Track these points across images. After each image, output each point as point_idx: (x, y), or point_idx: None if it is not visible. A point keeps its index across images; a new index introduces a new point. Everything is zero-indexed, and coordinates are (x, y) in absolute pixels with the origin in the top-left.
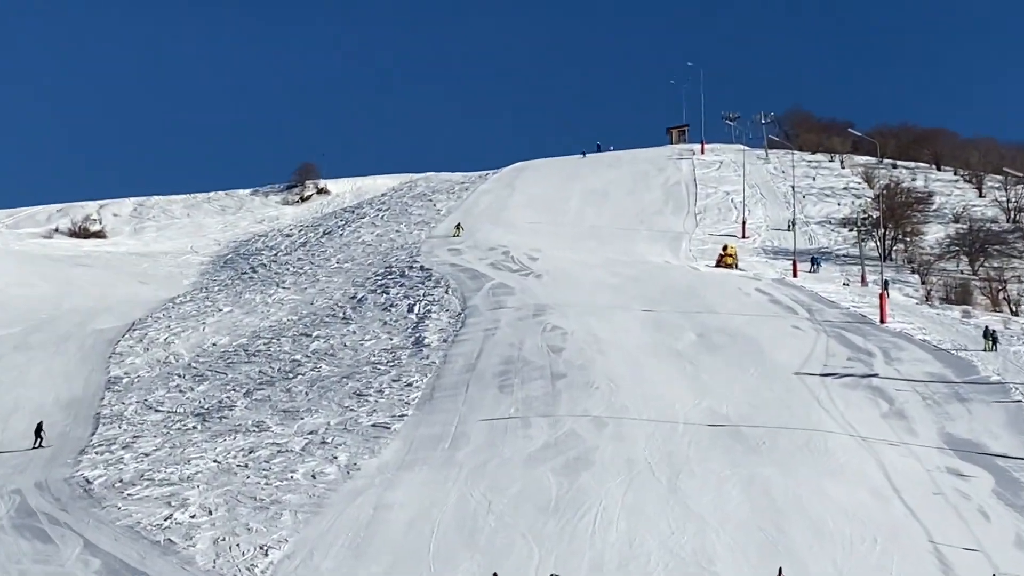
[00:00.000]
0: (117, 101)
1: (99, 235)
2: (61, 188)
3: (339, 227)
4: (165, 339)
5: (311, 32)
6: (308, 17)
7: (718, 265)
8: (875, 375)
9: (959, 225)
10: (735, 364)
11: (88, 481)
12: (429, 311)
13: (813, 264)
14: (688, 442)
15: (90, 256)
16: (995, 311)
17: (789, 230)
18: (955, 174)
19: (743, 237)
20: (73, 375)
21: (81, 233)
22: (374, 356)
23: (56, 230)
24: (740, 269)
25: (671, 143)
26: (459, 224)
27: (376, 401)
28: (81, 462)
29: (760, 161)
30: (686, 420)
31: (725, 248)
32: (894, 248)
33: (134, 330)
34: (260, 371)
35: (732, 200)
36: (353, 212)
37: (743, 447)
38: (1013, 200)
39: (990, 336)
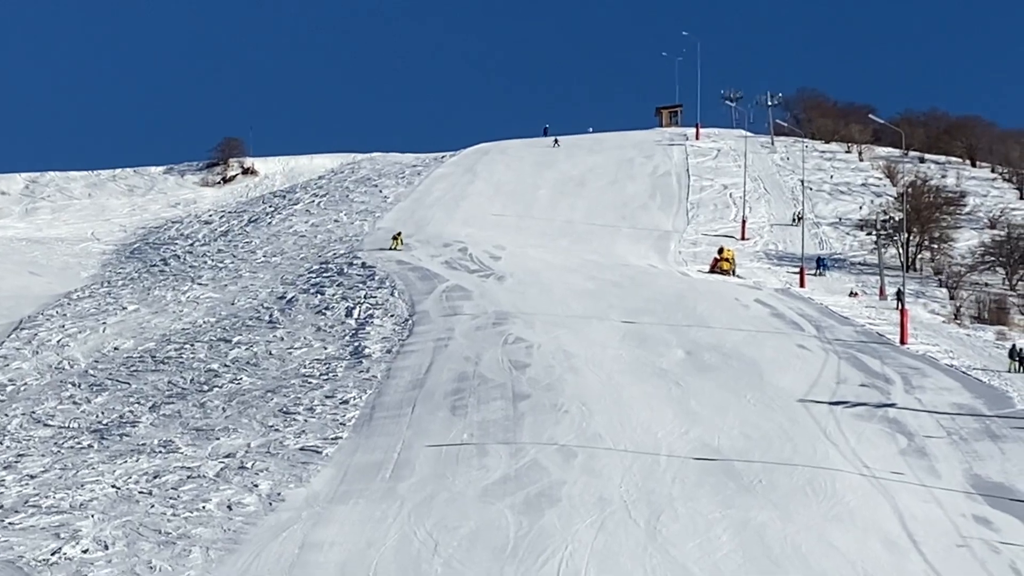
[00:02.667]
0: (6, 60)
1: None
2: None
3: (267, 214)
4: (58, 341)
5: None
6: None
7: (712, 271)
8: (892, 405)
9: (995, 231)
10: (729, 388)
11: None
12: (371, 316)
13: (819, 266)
14: (672, 478)
15: None
16: None
17: (794, 224)
18: (992, 171)
19: (742, 239)
20: None
21: None
22: (304, 367)
23: None
24: (738, 276)
25: (661, 126)
26: (399, 234)
27: (306, 421)
28: None
29: (765, 150)
30: (670, 452)
31: (721, 251)
32: (919, 256)
33: (21, 330)
34: (170, 382)
35: (731, 195)
36: (284, 197)
37: (736, 485)
38: None
39: (1017, 356)
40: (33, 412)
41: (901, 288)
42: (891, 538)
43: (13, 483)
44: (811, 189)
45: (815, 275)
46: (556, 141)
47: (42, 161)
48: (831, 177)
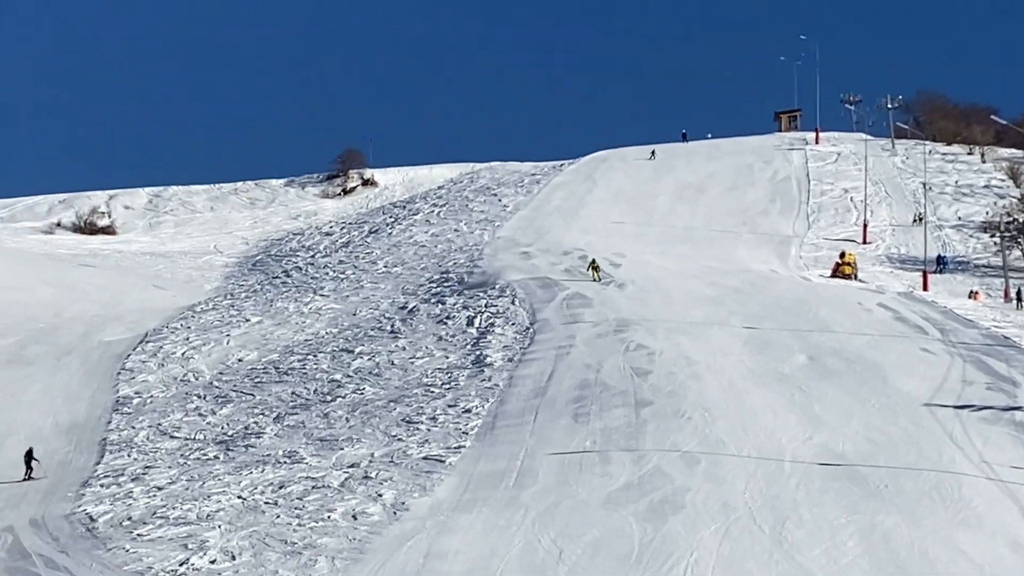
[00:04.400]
0: (131, 75)
1: (108, 231)
2: (65, 176)
3: (388, 225)
4: (183, 354)
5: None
6: None
7: (834, 275)
8: (1019, 408)
9: None
10: (853, 393)
11: (92, 518)
12: (492, 325)
13: (939, 264)
14: (796, 484)
15: (97, 255)
16: None
17: (915, 224)
18: None
19: (864, 243)
20: (76, 395)
21: (87, 228)
22: (427, 377)
23: (58, 224)
24: (860, 280)
25: (780, 131)
26: (594, 261)
27: (428, 430)
28: (84, 496)
29: (885, 153)
30: (794, 458)
31: (843, 255)
32: None
33: (147, 343)
34: (293, 393)
35: (851, 199)
36: (404, 207)
37: (861, 491)
38: None
39: None
40: (159, 424)
41: (1021, 288)
42: (1020, 542)
43: (141, 495)
44: (932, 192)
45: (936, 272)
46: (653, 153)
47: (165, 175)
48: (956, 182)
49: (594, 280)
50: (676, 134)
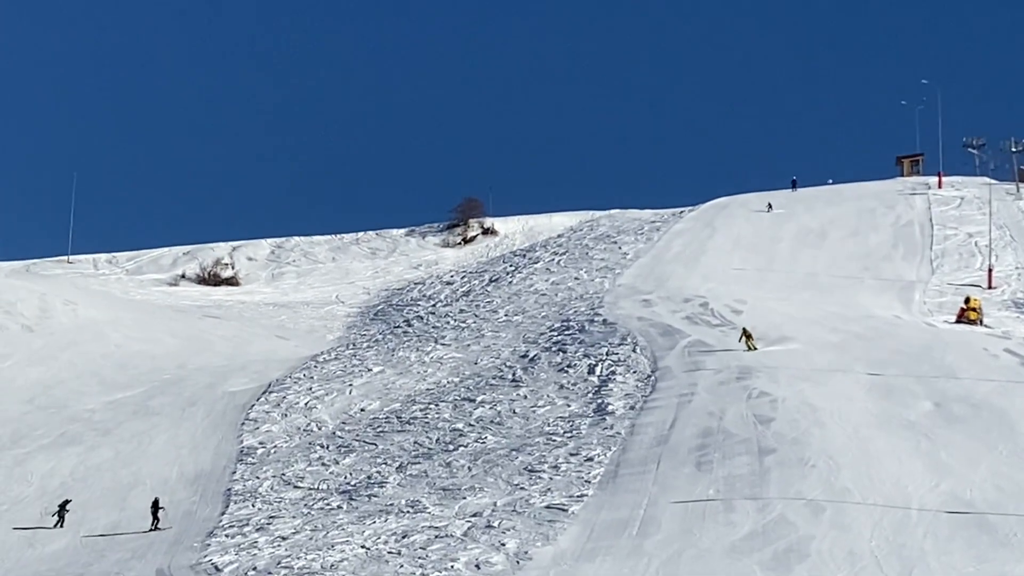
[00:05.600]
0: (253, 125)
1: (231, 282)
2: (189, 228)
3: (508, 273)
4: (306, 403)
5: (478, 41)
6: (476, 22)
7: (959, 321)
8: None
9: None
10: (980, 439)
11: (217, 568)
12: (613, 373)
13: None
14: (923, 532)
15: (221, 306)
16: None
17: None
18: None
19: (989, 288)
20: (200, 445)
21: (211, 280)
22: (548, 425)
23: (183, 276)
24: (986, 326)
25: (902, 175)
26: (746, 331)
27: (551, 478)
28: (209, 546)
29: (1010, 197)
30: (921, 506)
31: (968, 300)
32: None
33: (270, 393)
34: (415, 442)
35: (976, 243)
36: (524, 256)
37: (990, 539)
38: None
39: None
40: (283, 474)
41: None
42: None
43: (266, 545)
44: None
45: None
46: (769, 206)
47: (287, 226)
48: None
49: (748, 350)
50: (796, 179)
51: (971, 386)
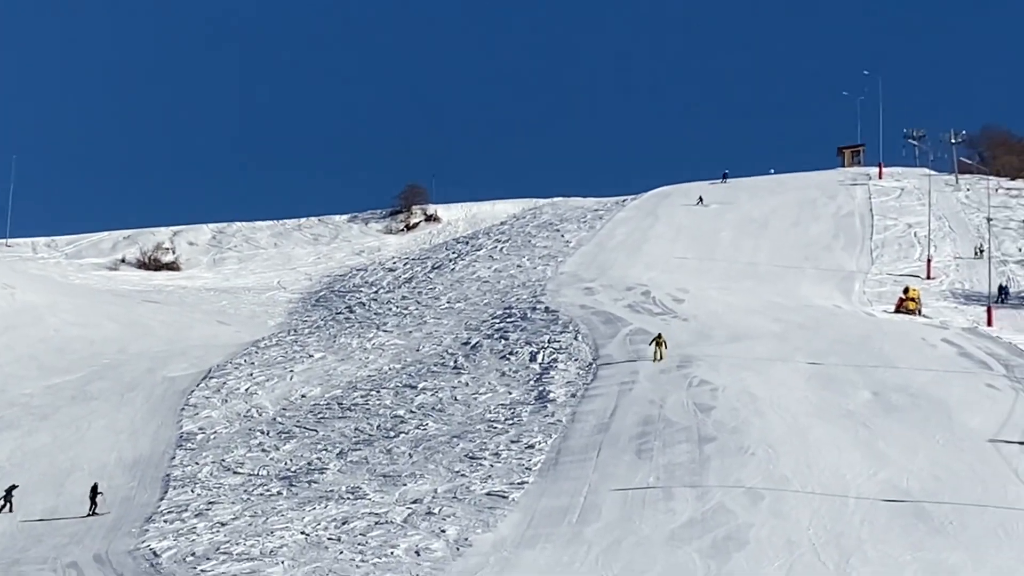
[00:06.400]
0: (195, 109)
1: (172, 267)
2: (129, 212)
3: (451, 260)
4: (247, 389)
5: (419, 32)
6: (420, 9)
7: (898, 311)
8: None
9: None
10: (918, 429)
11: (155, 554)
12: (555, 361)
13: (1001, 294)
14: (861, 520)
15: (161, 291)
16: None
17: (977, 256)
18: None
19: (928, 278)
20: (139, 430)
21: (151, 264)
22: (490, 412)
23: (123, 261)
24: (924, 316)
25: (843, 166)
26: (660, 336)
27: (492, 466)
28: (147, 532)
29: (949, 188)
30: (859, 494)
31: (907, 291)
32: None
33: (211, 378)
34: (356, 428)
35: (915, 234)
36: (467, 243)
37: (926, 527)
38: None
39: None
40: (223, 460)
41: None
42: None
43: (204, 530)
44: (996, 227)
45: (999, 302)
46: (700, 199)
47: (229, 212)
48: None
49: (655, 359)
50: (738, 169)
51: (909, 376)
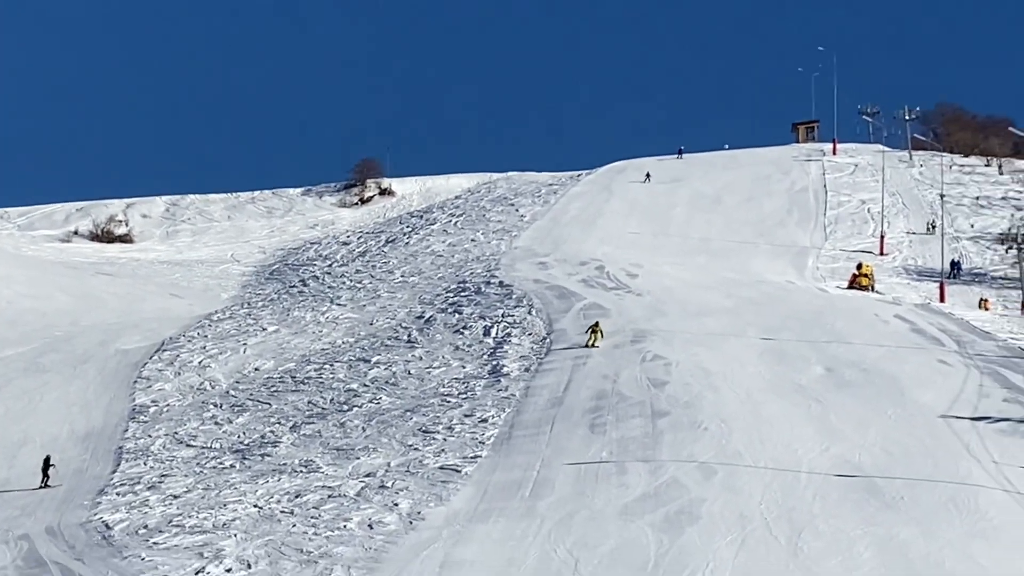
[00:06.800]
0: (148, 83)
1: (125, 239)
2: (82, 184)
3: (405, 234)
4: (200, 362)
5: (375, 4)
6: None
7: (851, 287)
8: None
9: None
10: (870, 404)
11: (107, 526)
12: (509, 335)
13: (953, 270)
14: (813, 495)
15: (114, 264)
16: None
17: (929, 232)
18: None
19: (881, 254)
20: (92, 403)
21: (104, 237)
22: (443, 386)
23: (75, 233)
24: (877, 292)
25: (797, 142)
26: (596, 324)
27: (445, 440)
28: (100, 504)
29: (903, 164)
30: (811, 469)
31: (860, 267)
32: None
33: (164, 351)
34: (310, 402)
35: (869, 210)
36: (421, 217)
37: (878, 502)
38: None
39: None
40: (176, 433)
41: None
42: None
43: (157, 503)
44: (950, 203)
45: (951, 278)
46: (648, 176)
47: (182, 184)
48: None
49: (587, 345)
50: (694, 144)
51: (862, 351)
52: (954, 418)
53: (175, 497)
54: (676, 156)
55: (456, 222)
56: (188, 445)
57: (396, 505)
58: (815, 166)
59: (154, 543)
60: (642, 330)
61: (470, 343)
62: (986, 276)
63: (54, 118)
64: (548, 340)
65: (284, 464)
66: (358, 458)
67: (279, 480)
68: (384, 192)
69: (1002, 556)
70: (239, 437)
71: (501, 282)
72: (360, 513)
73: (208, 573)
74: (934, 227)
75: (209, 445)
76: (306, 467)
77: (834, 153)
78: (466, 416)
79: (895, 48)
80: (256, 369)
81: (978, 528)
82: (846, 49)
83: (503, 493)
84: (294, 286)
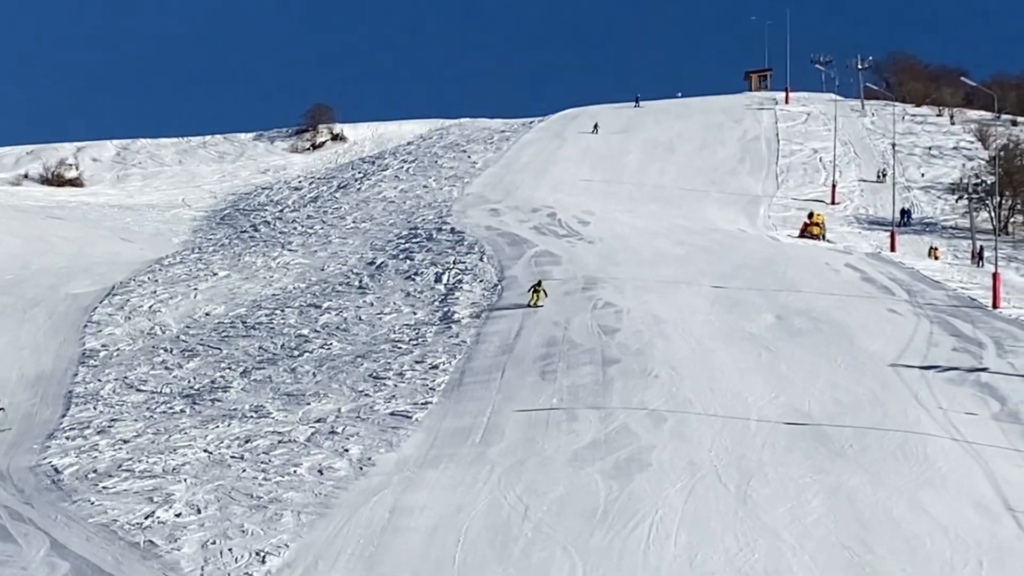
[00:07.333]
0: (99, 25)
1: (75, 183)
2: (32, 127)
3: (356, 180)
4: (150, 307)
5: None
6: None
7: (802, 235)
8: (985, 369)
9: None
10: (820, 353)
11: (57, 471)
12: (460, 281)
13: (903, 216)
14: (762, 443)
15: (64, 207)
16: None
17: (880, 180)
18: None
19: (832, 203)
20: (42, 347)
21: (54, 180)
22: (394, 333)
23: (25, 176)
24: (828, 241)
25: (750, 90)
26: (539, 284)
27: (395, 386)
28: (49, 448)
29: (855, 114)
30: (760, 417)
31: (811, 215)
32: (1011, 220)
33: (114, 296)
34: (260, 347)
35: (820, 159)
36: (373, 163)
37: (827, 450)
38: None
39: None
40: (126, 377)
41: (982, 246)
42: (984, 503)
43: (107, 448)
44: (901, 153)
45: (901, 226)
46: (596, 127)
47: (133, 128)
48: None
49: (530, 304)
50: (647, 92)
51: (812, 300)
52: (903, 367)
53: (125, 442)
54: (633, 104)
55: (408, 168)
56: (138, 390)
57: (346, 451)
58: (767, 115)
59: (103, 487)
60: (593, 277)
61: (421, 289)
62: (937, 226)
63: (3, 61)
64: (499, 287)
65: (234, 409)
66: (308, 404)
67: (229, 425)
68: (336, 138)
69: (949, 504)
70: (189, 382)
71: (453, 229)
72: (310, 459)
73: (158, 518)
74: (884, 175)
75: (159, 390)
76: (256, 412)
77: (787, 102)
78: (417, 362)
79: None
80: (207, 314)
81: (926, 476)
82: None
83: (453, 439)
84: (245, 231)
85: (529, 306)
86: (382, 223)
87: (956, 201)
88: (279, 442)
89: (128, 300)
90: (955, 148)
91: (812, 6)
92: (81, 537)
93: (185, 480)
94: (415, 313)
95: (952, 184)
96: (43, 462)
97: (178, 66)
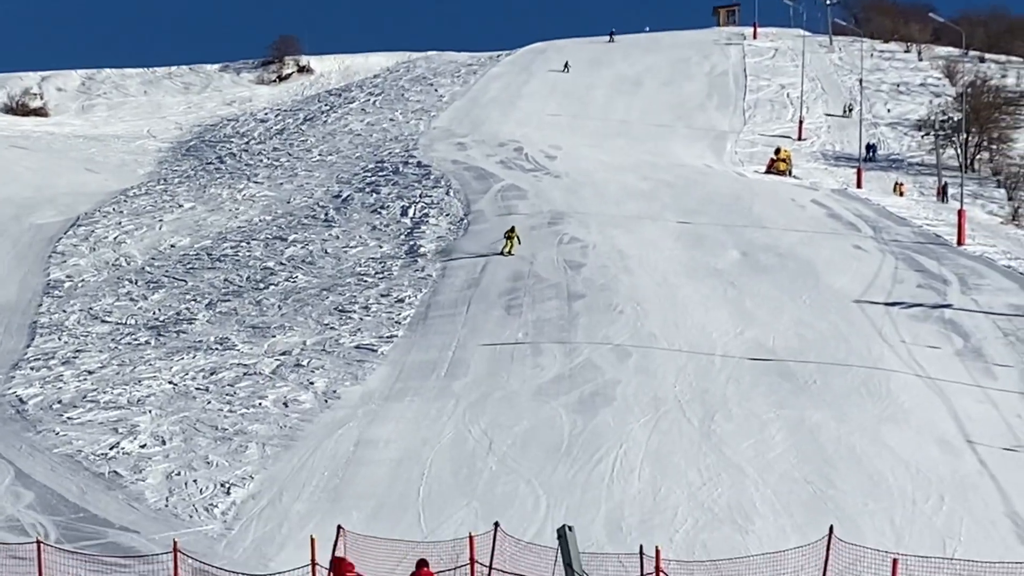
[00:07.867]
0: None
1: (40, 112)
2: None
3: (323, 113)
4: (115, 238)
5: None
6: None
7: (768, 171)
8: (949, 306)
9: None
10: (785, 289)
11: (21, 401)
12: (426, 215)
13: (869, 151)
14: (726, 378)
15: (29, 137)
16: None
17: (846, 115)
18: None
19: (799, 139)
20: (5, 277)
21: (19, 110)
22: (360, 266)
23: None
24: (794, 177)
25: (718, 25)
26: (513, 230)
27: (361, 319)
28: (14, 379)
29: (823, 50)
30: (724, 352)
31: (778, 151)
32: (977, 157)
33: (79, 226)
34: (226, 279)
35: (788, 95)
36: (340, 95)
37: (790, 386)
38: None
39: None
40: (91, 308)
41: (947, 182)
42: (946, 438)
43: (72, 378)
44: (868, 89)
45: (867, 161)
46: (567, 65)
47: (98, 58)
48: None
49: (503, 252)
50: (617, 25)
51: (778, 236)
52: (868, 303)
53: (89, 373)
54: (607, 39)
55: (375, 101)
56: (103, 321)
57: (312, 384)
58: (735, 50)
59: (68, 418)
60: (559, 212)
61: (387, 223)
62: (903, 162)
63: None
64: (466, 221)
65: (199, 341)
66: (274, 336)
67: (194, 357)
68: (302, 70)
69: (911, 439)
70: (154, 314)
71: (419, 162)
72: (276, 391)
73: (122, 448)
74: (851, 111)
75: (124, 321)
76: (221, 344)
77: (755, 37)
78: (382, 296)
79: None
80: (172, 246)
81: (888, 412)
82: None
83: (419, 373)
84: (211, 163)
85: (502, 254)
86: (348, 156)
87: (923, 138)
88: (244, 374)
89: (93, 231)
90: (922, 84)
91: None
92: (46, 467)
93: (150, 412)
94: (381, 247)
95: (919, 121)
96: (7, 392)
97: None
